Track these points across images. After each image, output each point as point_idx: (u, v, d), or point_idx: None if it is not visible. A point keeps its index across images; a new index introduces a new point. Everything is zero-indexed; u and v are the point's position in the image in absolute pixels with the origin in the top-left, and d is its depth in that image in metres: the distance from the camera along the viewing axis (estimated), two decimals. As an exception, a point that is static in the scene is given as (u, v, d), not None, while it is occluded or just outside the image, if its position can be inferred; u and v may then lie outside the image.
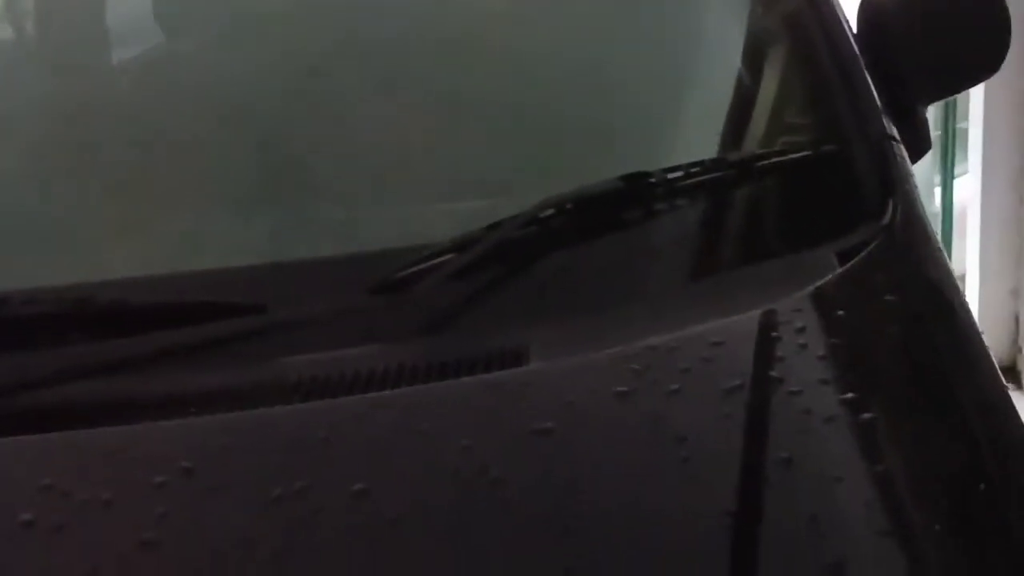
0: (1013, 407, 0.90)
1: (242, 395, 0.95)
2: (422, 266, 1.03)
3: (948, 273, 1.05)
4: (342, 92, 1.21)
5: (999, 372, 0.94)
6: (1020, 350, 3.07)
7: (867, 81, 1.21)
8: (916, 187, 1.15)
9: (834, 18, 1.27)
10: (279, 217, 1.12)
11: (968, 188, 3.33)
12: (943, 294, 1.02)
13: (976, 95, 3.21)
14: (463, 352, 0.98)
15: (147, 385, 0.96)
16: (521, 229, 1.04)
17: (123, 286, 1.04)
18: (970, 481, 0.85)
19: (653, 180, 1.07)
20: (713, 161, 1.11)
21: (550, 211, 1.05)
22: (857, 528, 0.80)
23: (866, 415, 0.85)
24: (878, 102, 1.20)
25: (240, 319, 0.99)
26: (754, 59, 1.25)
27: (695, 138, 1.21)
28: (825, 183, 1.11)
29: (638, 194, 1.06)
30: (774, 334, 0.93)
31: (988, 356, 0.95)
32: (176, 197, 1.12)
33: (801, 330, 0.93)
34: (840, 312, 0.96)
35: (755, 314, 0.94)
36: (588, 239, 1.05)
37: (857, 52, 1.24)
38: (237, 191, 1.14)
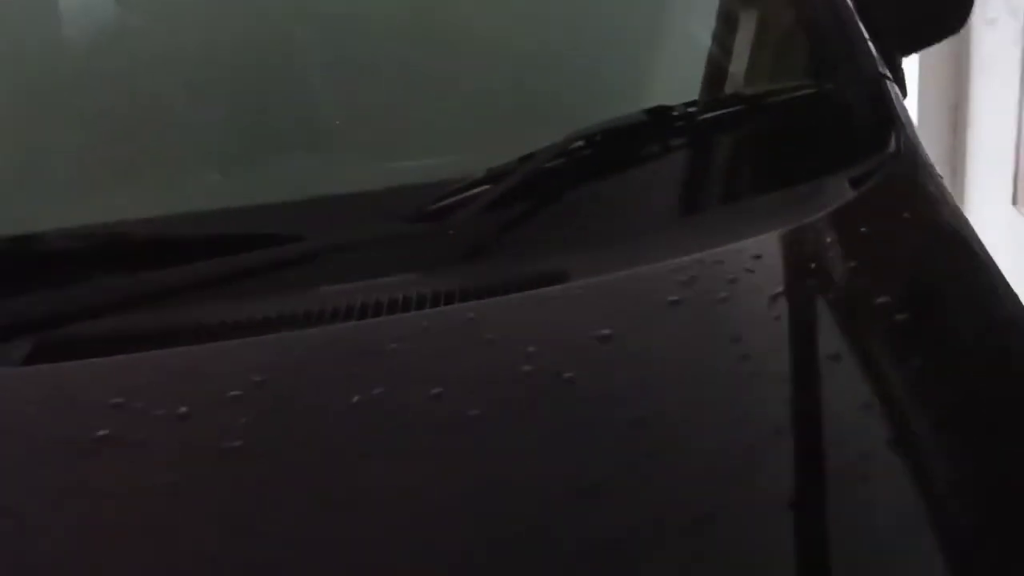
0: None
1: (303, 317, 0.98)
2: (459, 196, 1.07)
3: (949, 194, 1.13)
4: (370, 37, 1.24)
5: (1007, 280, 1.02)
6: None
7: (861, 29, 1.29)
8: (911, 122, 1.24)
9: None
10: (318, 158, 1.15)
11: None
12: (948, 212, 1.09)
13: (909, 72, 3.35)
14: (506, 275, 1.02)
15: (212, 310, 0.99)
16: (552, 160, 1.09)
17: (179, 221, 1.06)
18: (995, 372, 0.92)
19: (675, 113, 1.13)
20: (730, 96, 1.17)
21: (579, 143, 1.10)
22: (902, 413, 0.86)
23: (900, 316, 0.92)
24: (872, 47, 1.27)
25: (296, 246, 1.02)
26: (756, 6, 1.31)
27: (699, 79, 1.28)
28: (835, 117, 1.18)
29: (662, 126, 1.12)
30: (808, 247, 0.99)
31: (995, 264, 1.02)
32: (218, 140, 1.15)
33: (832, 243, 1.00)
34: (864, 228, 1.03)
35: (788, 230, 1.01)
36: (616, 169, 1.10)
37: (851, 5, 1.32)
38: (272, 134, 1.16)
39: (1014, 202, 3.06)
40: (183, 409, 0.89)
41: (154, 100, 1.16)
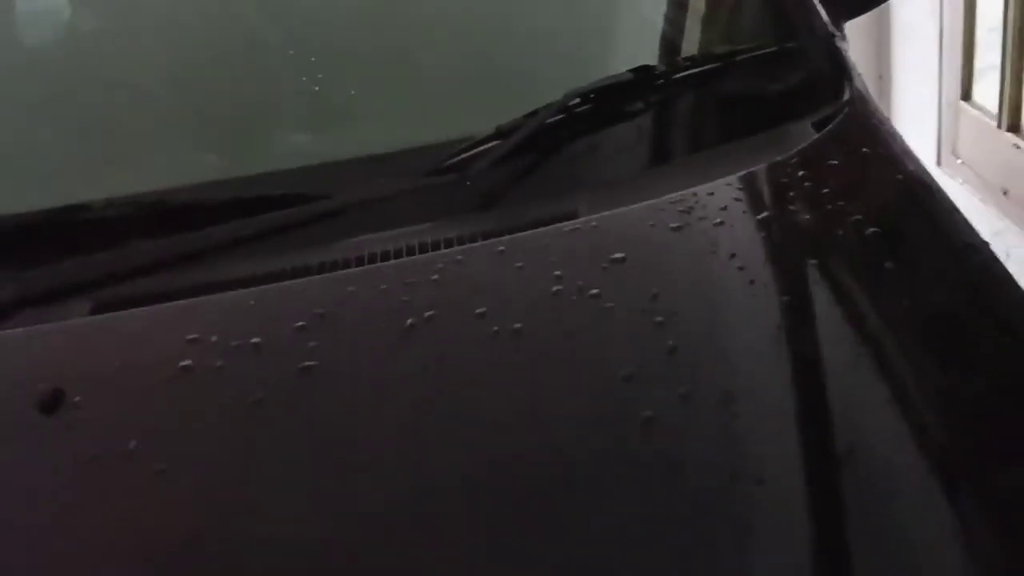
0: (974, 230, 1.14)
1: (346, 262, 1.10)
2: (473, 151, 1.20)
3: (896, 131, 1.29)
4: (382, 20, 1.38)
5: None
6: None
7: None
8: (860, 74, 1.40)
9: None
10: (348, 127, 1.28)
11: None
12: (898, 146, 1.25)
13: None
14: (523, 215, 1.15)
15: (261, 262, 1.10)
16: (553, 116, 1.23)
17: (226, 186, 1.18)
18: (952, 276, 1.08)
19: (657, 72, 1.27)
20: (705, 56, 1.32)
21: (576, 99, 1.24)
22: (873, 305, 1.02)
23: (871, 230, 1.08)
24: (822, 12, 1.44)
25: (337, 200, 1.14)
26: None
27: (676, 44, 1.43)
28: (797, 71, 1.34)
29: (647, 83, 1.26)
30: (786, 179, 1.14)
31: (939, 185, 1.19)
32: (256, 117, 1.27)
33: (806, 175, 1.15)
34: (833, 161, 1.19)
35: (767, 166, 1.16)
36: (609, 121, 1.24)
37: None
38: (307, 110, 1.29)
39: (938, 163, 3.28)
40: (256, 339, 1.00)
41: (196, 80, 1.28)
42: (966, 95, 3.05)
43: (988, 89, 3.03)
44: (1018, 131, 2.75)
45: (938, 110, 3.19)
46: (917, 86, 3.35)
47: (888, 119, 1.34)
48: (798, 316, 1.00)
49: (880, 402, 0.92)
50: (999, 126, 2.85)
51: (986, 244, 1.12)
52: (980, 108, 3.00)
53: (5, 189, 1.23)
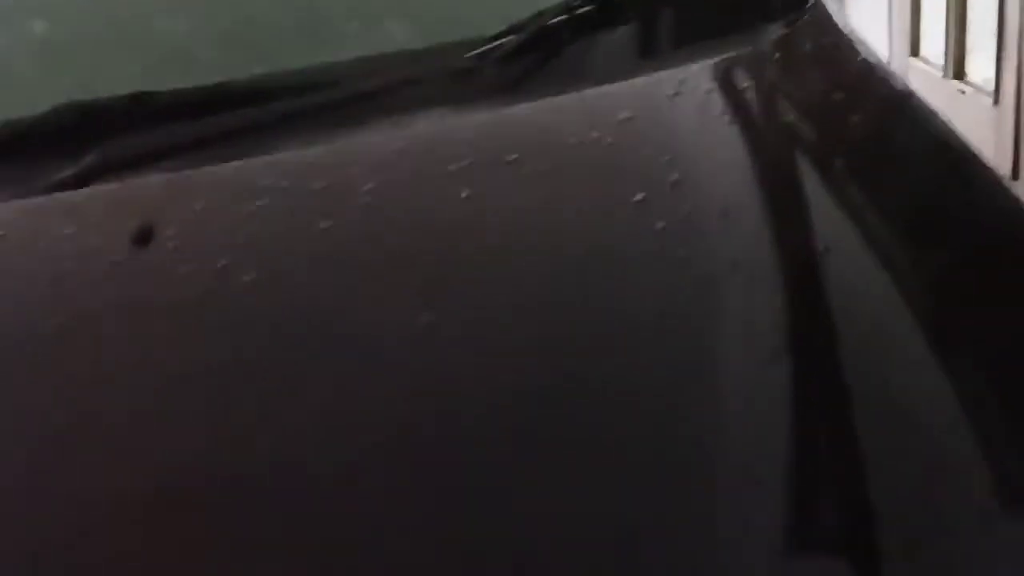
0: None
1: (383, 132, 1.26)
2: (483, 48, 1.37)
3: (855, 31, 1.48)
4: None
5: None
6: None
7: None
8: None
9: None
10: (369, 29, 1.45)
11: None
12: (859, 42, 1.45)
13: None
14: (537, 95, 1.32)
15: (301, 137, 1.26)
16: (554, 17, 1.40)
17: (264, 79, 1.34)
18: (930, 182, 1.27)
19: None
20: None
21: (576, 3, 1.41)
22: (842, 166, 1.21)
23: (837, 96, 1.27)
24: None
25: (367, 83, 1.30)
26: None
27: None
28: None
29: None
30: (766, 59, 1.34)
31: (900, 77, 1.38)
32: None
33: (778, 59, 1.34)
34: (808, 47, 1.38)
35: (748, 50, 1.34)
36: (608, 22, 1.42)
37: None
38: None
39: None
40: (318, 185, 1.17)
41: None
42: (915, 52, 3.27)
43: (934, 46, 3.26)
44: (962, 77, 2.97)
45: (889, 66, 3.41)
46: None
47: (849, 23, 1.54)
48: (779, 154, 1.19)
49: (848, 213, 1.11)
50: (944, 75, 3.07)
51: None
52: (928, 62, 3.23)
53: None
